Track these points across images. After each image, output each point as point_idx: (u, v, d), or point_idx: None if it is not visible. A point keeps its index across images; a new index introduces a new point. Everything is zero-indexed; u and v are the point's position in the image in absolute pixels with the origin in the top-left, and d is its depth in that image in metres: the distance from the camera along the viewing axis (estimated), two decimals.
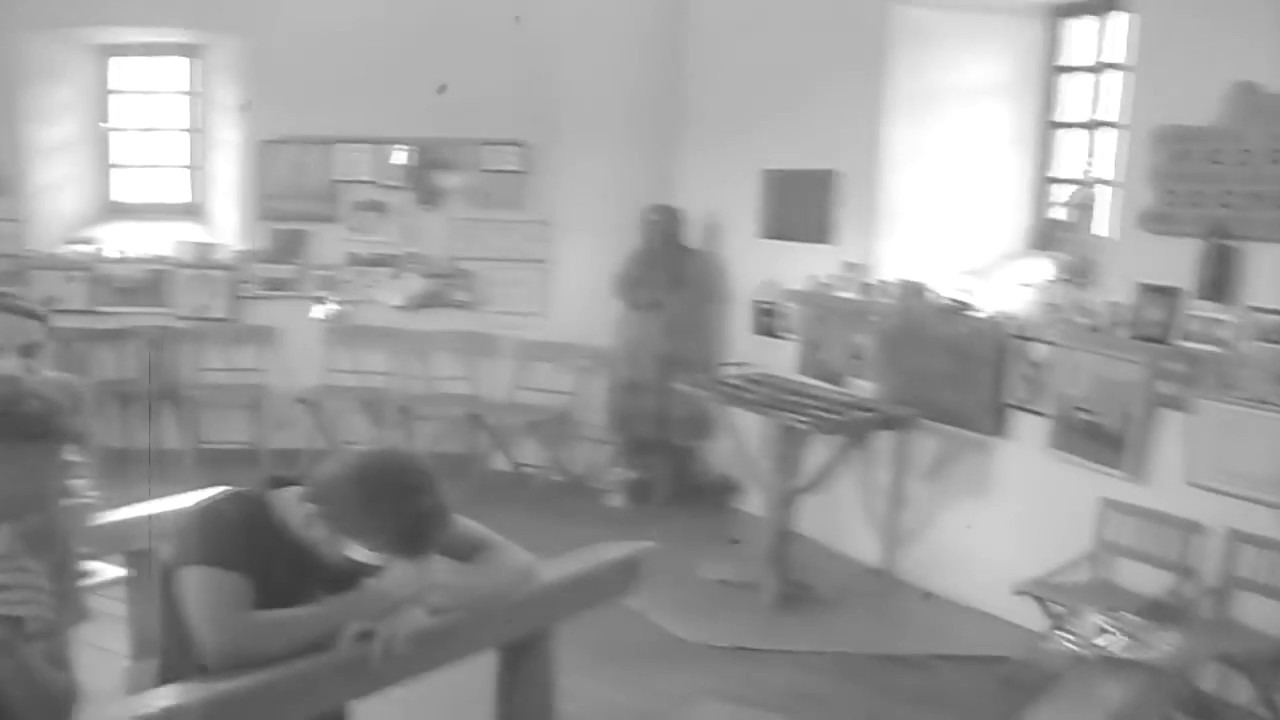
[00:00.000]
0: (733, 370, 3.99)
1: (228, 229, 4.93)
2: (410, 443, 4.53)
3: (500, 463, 4.74)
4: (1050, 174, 3.80)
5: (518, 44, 4.57)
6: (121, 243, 4.90)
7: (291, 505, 1.46)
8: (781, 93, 4.14)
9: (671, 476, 4.49)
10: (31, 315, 1.88)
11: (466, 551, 1.58)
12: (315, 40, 4.57)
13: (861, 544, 3.87)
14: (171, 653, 1.49)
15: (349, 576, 1.45)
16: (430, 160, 4.68)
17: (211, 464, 4.53)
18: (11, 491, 1.08)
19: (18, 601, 1.06)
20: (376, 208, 4.71)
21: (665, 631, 3.31)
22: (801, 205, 4.07)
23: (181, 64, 5.00)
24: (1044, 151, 3.79)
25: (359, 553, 1.40)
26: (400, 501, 1.39)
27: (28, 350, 1.81)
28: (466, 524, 1.58)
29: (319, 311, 4.75)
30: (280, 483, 1.53)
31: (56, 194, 4.93)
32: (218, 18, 4.68)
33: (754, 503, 4.08)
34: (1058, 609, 2.92)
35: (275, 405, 4.77)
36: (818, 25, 4.02)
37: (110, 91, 5.00)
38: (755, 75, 4.27)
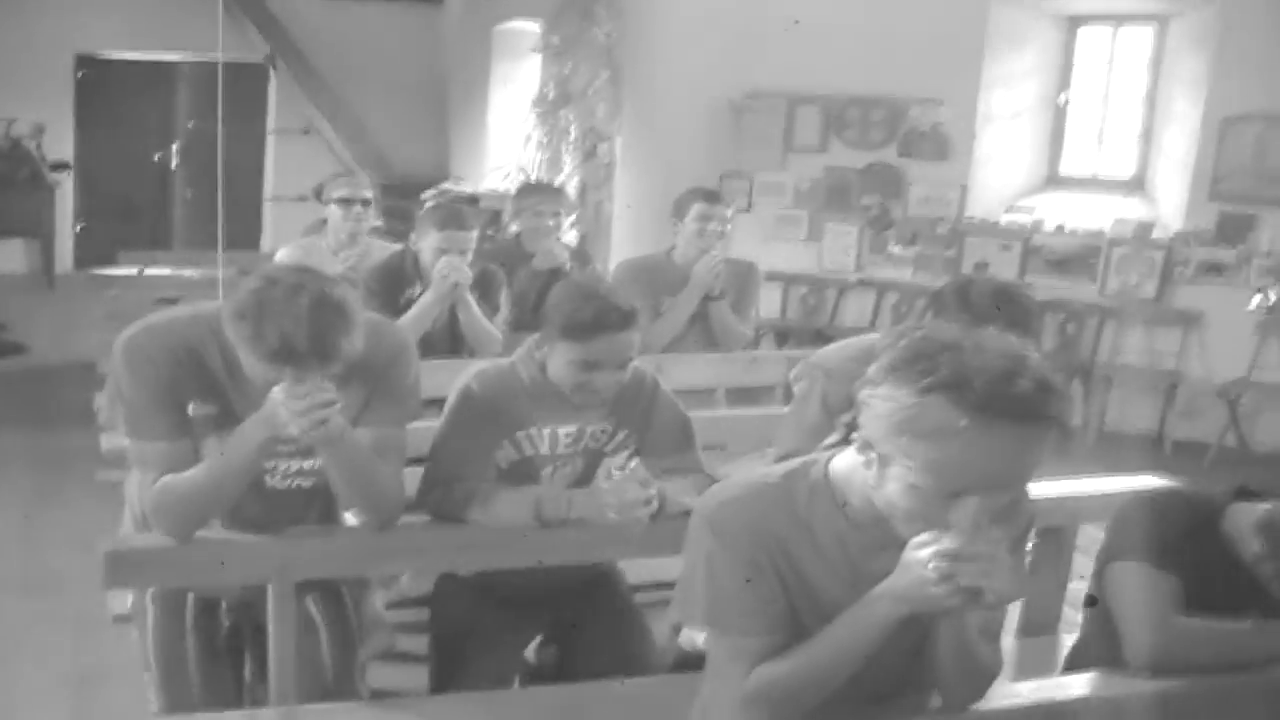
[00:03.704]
0: None
1: (1171, 207, 8.78)
2: None
3: None
4: None
5: None
6: (1061, 214, 9.09)
7: (1243, 526, 2.71)
8: None
9: None
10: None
11: None
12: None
13: None
14: (1090, 640, 2.93)
15: None
16: None
17: (1110, 446, 8.53)
18: (991, 469, 1.93)
19: (980, 573, 1.93)
20: None
21: None
22: None
23: (1145, 33, 9.06)
24: None
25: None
26: None
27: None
28: None
29: (1256, 301, 8.29)
30: (1246, 494, 2.79)
31: (1003, 162, 9.39)
32: None
33: None
34: None
35: (1189, 394, 8.59)
36: None
37: (1073, 62, 9.37)
38: None
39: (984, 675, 2.32)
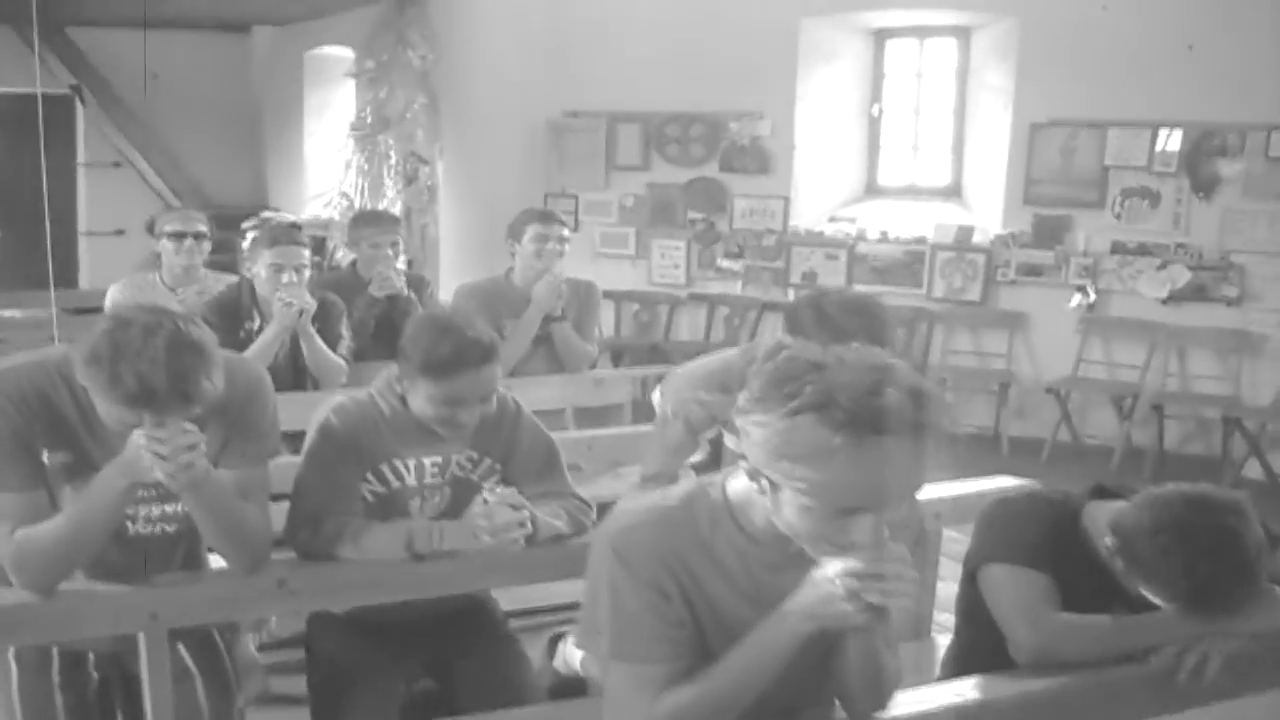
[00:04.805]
0: None
1: (988, 212, 9.03)
2: (1157, 442, 8.30)
3: (1254, 471, 8.06)
4: None
5: None
6: (882, 223, 9.30)
7: (1100, 524, 2.78)
8: None
9: None
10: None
11: None
12: (1087, 19, 8.29)
13: None
14: (967, 642, 3.02)
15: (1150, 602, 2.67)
16: (1206, 146, 8.25)
17: (949, 448, 9.29)
18: (876, 483, 1.93)
19: (890, 591, 1.96)
20: (1146, 195, 8.45)
21: None
22: None
23: (950, 45, 9.31)
24: None
25: (1152, 596, 2.66)
26: (1195, 562, 2.56)
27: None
28: None
29: (1075, 300, 8.61)
30: (1102, 493, 2.92)
31: (823, 173, 9.56)
32: None
33: None
34: None
35: (1020, 393, 8.84)
36: None
37: (883, 74, 9.56)
38: None
39: (889, 685, 2.35)
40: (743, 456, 2.15)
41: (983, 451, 8.60)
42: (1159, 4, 8.41)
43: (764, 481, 2.08)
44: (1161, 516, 2.67)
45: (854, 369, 2.00)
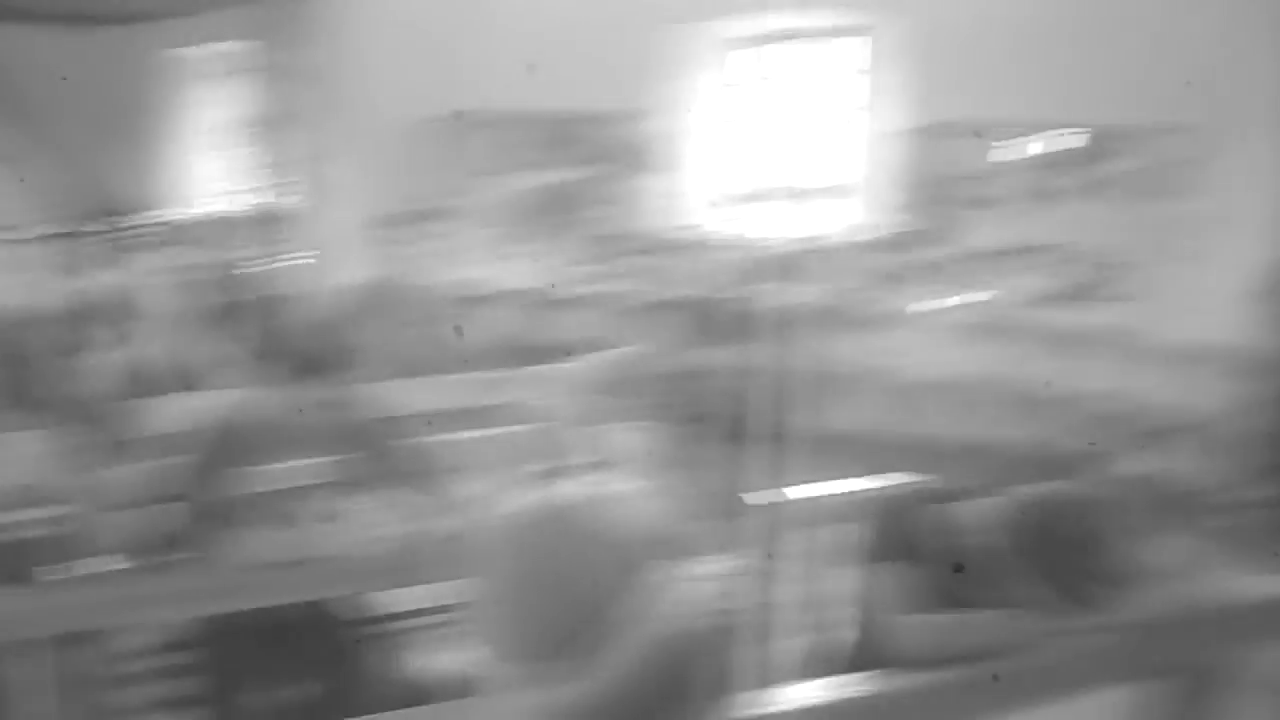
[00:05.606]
0: None
1: (880, 212, 9.16)
2: (1034, 441, 8.81)
3: (1125, 469, 8.29)
4: None
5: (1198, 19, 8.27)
6: (772, 223, 9.39)
7: (967, 522, 2.92)
8: None
9: None
10: None
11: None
12: (975, 20, 8.55)
13: None
14: (863, 641, 3.06)
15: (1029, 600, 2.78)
16: (1097, 148, 8.52)
17: (833, 449, 9.44)
18: (733, 489, 2.56)
19: (741, 594, 2.17)
20: (1033, 196, 8.74)
21: None
22: None
23: (846, 45, 9.43)
24: None
25: (1011, 593, 2.78)
26: (1050, 561, 2.71)
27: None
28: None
29: (959, 300, 8.90)
30: (971, 491, 3.02)
31: (712, 173, 9.65)
32: None
33: None
34: None
35: (901, 393, 9.03)
36: None
37: (774, 75, 9.69)
38: None
39: (737, 688, 2.39)
40: (604, 460, 2.19)
41: (861, 451, 8.70)
42: (1046, 5, 8.62)
43: (622, 485, 2.13)
44: (1020, 516, 2.78)
45: (719, 378, 2.07)
